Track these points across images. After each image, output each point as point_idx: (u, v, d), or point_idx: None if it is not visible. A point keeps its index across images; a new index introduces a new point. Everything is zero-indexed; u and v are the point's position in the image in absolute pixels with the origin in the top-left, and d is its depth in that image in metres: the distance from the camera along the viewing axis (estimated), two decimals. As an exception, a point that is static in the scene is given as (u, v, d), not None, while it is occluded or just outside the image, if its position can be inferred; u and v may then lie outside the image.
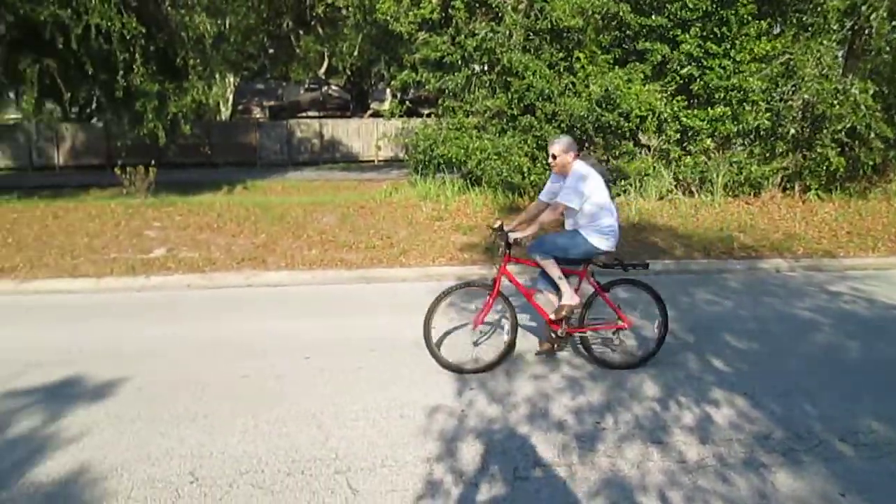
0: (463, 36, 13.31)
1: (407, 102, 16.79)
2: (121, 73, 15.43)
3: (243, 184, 19.11)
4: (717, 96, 12.92)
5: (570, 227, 5.32)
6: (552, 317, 5.34)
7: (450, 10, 13.48)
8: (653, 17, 13.04)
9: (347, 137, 28.41)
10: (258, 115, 35.06)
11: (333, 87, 36.30)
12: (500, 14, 13.46)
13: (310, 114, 33.56)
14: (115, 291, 8.32)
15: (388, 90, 35.74)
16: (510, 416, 4.56)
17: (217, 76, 25.89)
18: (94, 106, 22.65)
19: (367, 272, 8.81)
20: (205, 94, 18.17)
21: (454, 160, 13.50)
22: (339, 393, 4.95)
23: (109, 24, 14.74)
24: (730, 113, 12.86)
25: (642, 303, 5.89)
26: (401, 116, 15.85)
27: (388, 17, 14.26)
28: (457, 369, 5.30)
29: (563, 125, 12.68)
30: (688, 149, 13.28)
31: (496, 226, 5.44)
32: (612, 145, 12.98)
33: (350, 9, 22.50)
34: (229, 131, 28.17)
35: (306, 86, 36.80)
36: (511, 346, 5.42)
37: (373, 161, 27.62)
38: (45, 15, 14.15)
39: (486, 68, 13.95)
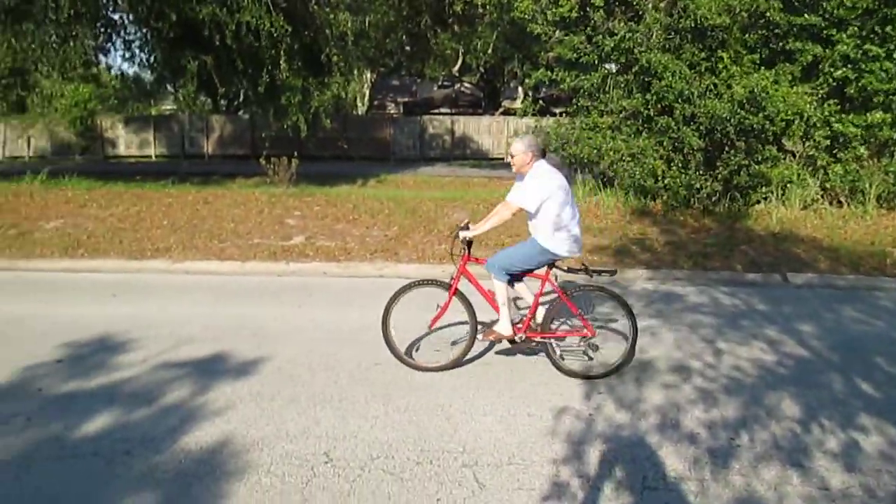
0: (600, 35, 13.09)
1: (539, 101, 16.72)
2: (267, 68, 16.29)
3: (377, 177, 19.68)
4: (875, 101, 12.04)
5: (531, 229, 5.23)
6: (479, 336, 5.32)
7: (587, 9, 13.29)
8: (805, 15, 12.30)
9: (478, 134, 28.68)
10: (392, 111, 35.99)
11: (466, 85, 36.70)
12: (640, 13, 13.13)
13: (442, 110, 34.12)
14: (258, 275, 8.84)
15: (520, 88, 35.73)
16: (639, 423, 4.47)
17: (356, 72, 26.79)
18: (241, 99, 24.01)
19: (495, 269, 8.84)
20: (344, 89, 18.88)
21: (586, 160, 13.31)
22: (467, 387, 5.03)
23: (259, 21, 15.59)
24: (889, 119, 11.96)
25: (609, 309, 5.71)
26: (533, 115, 15.79)
27: (526, 17, 14.23)
28: (415, 367, 5.34)
29: (702, 127, 12.22)
30: (838, 156, 12.47)
31: (463, 224, 5.41)
32: (754, 149, 12.36)
33: (487, 7, 22.65)
34: (365, 126, 29.09)
35: (440, 83, 37.40)
36: (469, 347, 5.37)
37: (503, 158, 27.68)
38: (204, 14, 15.15)
39: (621, 68, 13.66)
